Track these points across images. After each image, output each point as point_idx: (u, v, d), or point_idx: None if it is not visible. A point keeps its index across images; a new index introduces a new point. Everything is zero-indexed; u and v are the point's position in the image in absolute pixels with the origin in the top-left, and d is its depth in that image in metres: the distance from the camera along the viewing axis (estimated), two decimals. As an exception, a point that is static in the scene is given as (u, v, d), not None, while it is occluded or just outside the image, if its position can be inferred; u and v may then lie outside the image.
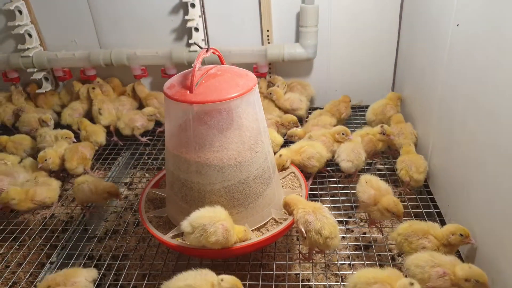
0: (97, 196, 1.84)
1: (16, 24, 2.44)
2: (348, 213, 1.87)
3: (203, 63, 2.50)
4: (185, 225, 1.36)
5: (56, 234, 1.85)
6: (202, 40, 2.48)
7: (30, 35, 2.51)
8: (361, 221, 1.85)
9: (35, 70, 2.60)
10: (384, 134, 2.02)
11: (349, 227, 1.82)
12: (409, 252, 1.41)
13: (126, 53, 2.49)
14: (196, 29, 2.41)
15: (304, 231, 1.42)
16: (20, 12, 2.45)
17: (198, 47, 1.43)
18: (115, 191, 1.84)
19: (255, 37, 2.50)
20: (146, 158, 2.38)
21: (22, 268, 1.70)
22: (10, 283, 1.64)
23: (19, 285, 1.64)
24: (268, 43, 2.48)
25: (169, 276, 1.34)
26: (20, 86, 2.71)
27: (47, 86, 2.66)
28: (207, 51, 1.42)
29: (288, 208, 1.53)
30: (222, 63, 1.54)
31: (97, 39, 2.59)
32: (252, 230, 1.55)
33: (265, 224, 1.59)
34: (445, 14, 1.69)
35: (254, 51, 2.41)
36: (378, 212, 1.61)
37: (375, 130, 2.04)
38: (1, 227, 1.88)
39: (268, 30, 2.44)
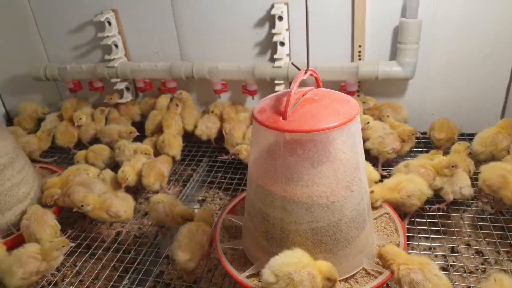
0: (171, 220, 1.74)
1: (105, 35, 2.47)
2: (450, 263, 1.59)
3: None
4: (267, 274, 1.19)
5: (129, 256, 1.78)
6: (287, 55, 2.33)
7: (116, 46, 2.54)
8: (465, 272, 1.55)
9: (118, 80, 2.62)
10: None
11: (453, 278, 1.53)
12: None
13: (208, 66, 2.41)
14: (282, 44, 2.26)
15: (410, 294, 1.18)
16: (109, 23, 2.48)
17: (296, 68, 1.26)
18: (190, 215, 1.73)
19: (345, 53, 2.29)
20: (221, 176, 2.27)
21: (97, 287, 1.65)
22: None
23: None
24: (359, 59, 2.26)
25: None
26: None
27: (128, 96, 2.68)
28: (305, 72, 1.24)
29: (384, 262, 1.30)
30: (319, 86, 1.35)
31: (179, 51, 2.55)
32: (339, 281, 1.34)
33: (354, 274, 1.38)
34: None
35: (344, 68, 2.20)
36: None
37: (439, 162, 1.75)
38: (78, 241, 1.86)
39: (360, 46, 2.22)
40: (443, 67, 2.23)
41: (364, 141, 2.11)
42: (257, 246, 1.41)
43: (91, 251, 1.82)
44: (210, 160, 2.40)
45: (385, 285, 1.47)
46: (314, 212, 1.25)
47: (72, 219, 2.03)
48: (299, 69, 1.26)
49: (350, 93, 2.27)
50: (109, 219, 1.82)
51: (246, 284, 1.33)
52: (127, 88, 2.67)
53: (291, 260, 1.19)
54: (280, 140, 1.22)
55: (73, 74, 2.67)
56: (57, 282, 1.69)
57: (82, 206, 1.76)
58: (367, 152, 2.15)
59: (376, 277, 1.34)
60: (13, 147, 1.91)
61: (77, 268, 1.76)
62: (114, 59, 2.54)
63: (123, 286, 1.63)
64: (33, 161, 2.32)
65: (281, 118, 1.18)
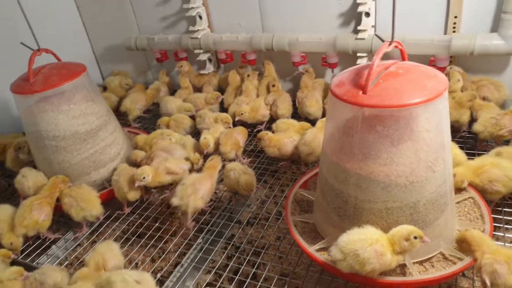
0: (238, 187, 1.81)
1: (190, 6, 2.54)
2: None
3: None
4: (335, 251, 1.20)
5: (204, 217, 1.88)
6: (372, 26, 2.21)
7: (200, 17, 2.60)
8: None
9: (201, 51, 2.70)
10: None
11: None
12: None
13: (288, 38, 2.38)
14: (367, 14, 2.14)
15: (489, 284, 1.11)
16: (195, -6, 2.54)
17: (380, 40, 1.20)
18: (251, 186, 1.79)
19: (437, 25, 2.10)
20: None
21: (174, 243, 1.79)
22: (163, 253, 1.75)
23: (170, 259, 1.73)
24: (453, 31, 2.06)
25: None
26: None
27: (210, 68, 2.75)
28: (389, 44, 1.17)
29: (467, 246, 1.22)
30: (404, 59, 1.27)
31: (261, 23, 2.55)
32: (413, 263, 1.29)
33: (430, 258, 1.31)
34: None
35: (435, 41, 2.03)
36: None
37: None
38: (160, 199, 2.01)
39: (456, 17, 2.02)
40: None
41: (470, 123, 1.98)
42: (328, 222, 1.41)
43: (170, 209, 1.96)
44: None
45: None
46: (390, 192, 1.20)
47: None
48: (383, 41, 1.19)
49: (440, 69, 2.10)
50: (171, 179, 1.91)
51: (316, 257, 1.34)
52: (209, 59, 2.75)
53: (358, 237, 1.18)
54: (358, 115, 1.18)
55: (160, 44, 2.81)
56: (140, 234, 1.86)
57: (144, 178, 1.83)
58: (474, 136, 2.00)
59: (454, 263, 1.27)
60: (107, 110, 2.09)
61: (157, 224, 1.90)
62: (198, 30, 2.61)
63: (197, 244, 1.73)
64: (122, 126, 2.52)
65: (360, 92, 1.14)
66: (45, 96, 1.87)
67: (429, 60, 2.12)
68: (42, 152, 1.95)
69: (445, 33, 2.10)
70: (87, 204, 1.80)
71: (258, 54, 2.60)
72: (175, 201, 1.70)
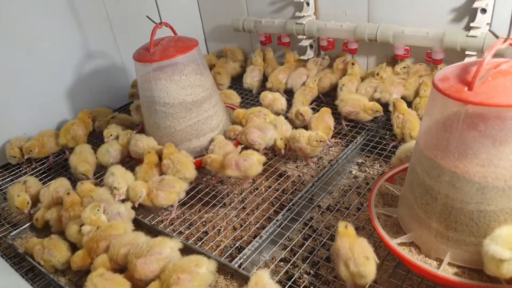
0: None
1: (301, -7, 2.61)
2: None
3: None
4: (498, 250, 1.12)
5: (286, 195, 1.97)
6: (487, 24, 2.07)
7: (308, 4, 2.65)
8: None
9: (304, 37, 2.76)
10: None
11: None
12: None
13: (393, 30, 2.33)
14: (484, 10, 2.01)
15: None
16: (304, -19, 2.60)
17: (494, 36, 1.15)
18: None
19: None
20: (385, 144, 2.22)
21: (255, 216, 1.90)
22: (244, 224, 1.88)
23: (250, 229, 1.85)
24: None
25: (383, 280, 1.21)
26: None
27: (310, 54, 2.80)
28: (504, 41, 1.12)
29: None
30: (519, 59, 1.20)
31: (367, 12, 2.52)
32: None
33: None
34: None
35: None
36: None
37: None
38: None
39: None
40: None
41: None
42: (413, 217, 1.39)
43: (254, 185, 2.09)
44: (378, 125, 2.37)
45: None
46: (486, 194, 1.17)
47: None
48: (497, 37, 1.14)
49: None
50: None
51: (396, 250, 1.35)
52: (311, 46, 2.80)
53: None
54: (460, 112, 1.15)
55: (266, 28, 2.91)
56: (225, 203, 2.01)
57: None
58: None
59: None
60: (212, 84, 2.25)
61: (242, 196, 2.04)
62: (303, 16, 2.67)
63: (277, 220, 1.82)
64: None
65: (466, 88, 1.12)
66: (161, 66, 2.08)
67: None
68: (153, 116, 2.18)
69: None
70: (182, 167, 1.95)
71: (360, 44, 2.58)
72: None
